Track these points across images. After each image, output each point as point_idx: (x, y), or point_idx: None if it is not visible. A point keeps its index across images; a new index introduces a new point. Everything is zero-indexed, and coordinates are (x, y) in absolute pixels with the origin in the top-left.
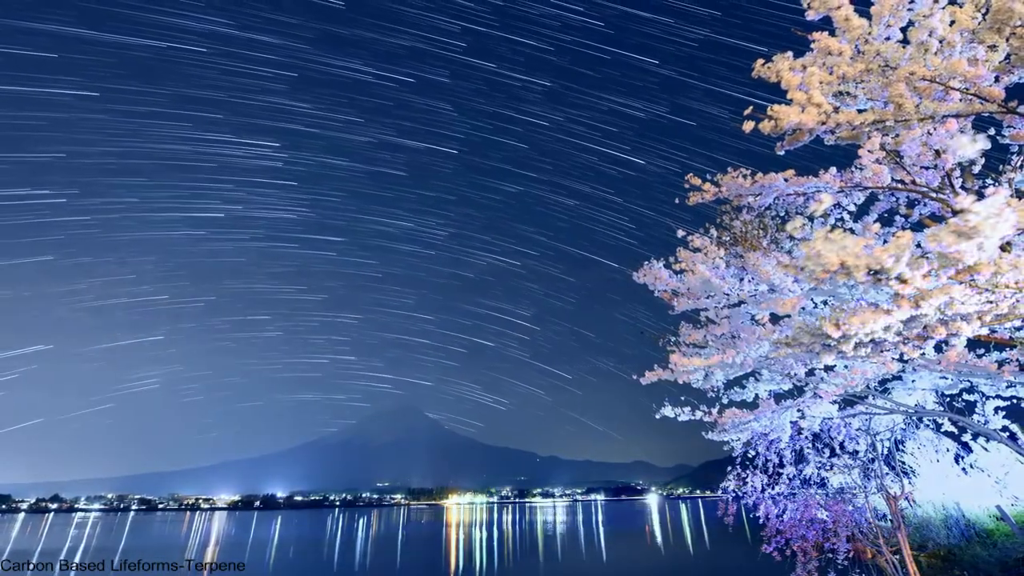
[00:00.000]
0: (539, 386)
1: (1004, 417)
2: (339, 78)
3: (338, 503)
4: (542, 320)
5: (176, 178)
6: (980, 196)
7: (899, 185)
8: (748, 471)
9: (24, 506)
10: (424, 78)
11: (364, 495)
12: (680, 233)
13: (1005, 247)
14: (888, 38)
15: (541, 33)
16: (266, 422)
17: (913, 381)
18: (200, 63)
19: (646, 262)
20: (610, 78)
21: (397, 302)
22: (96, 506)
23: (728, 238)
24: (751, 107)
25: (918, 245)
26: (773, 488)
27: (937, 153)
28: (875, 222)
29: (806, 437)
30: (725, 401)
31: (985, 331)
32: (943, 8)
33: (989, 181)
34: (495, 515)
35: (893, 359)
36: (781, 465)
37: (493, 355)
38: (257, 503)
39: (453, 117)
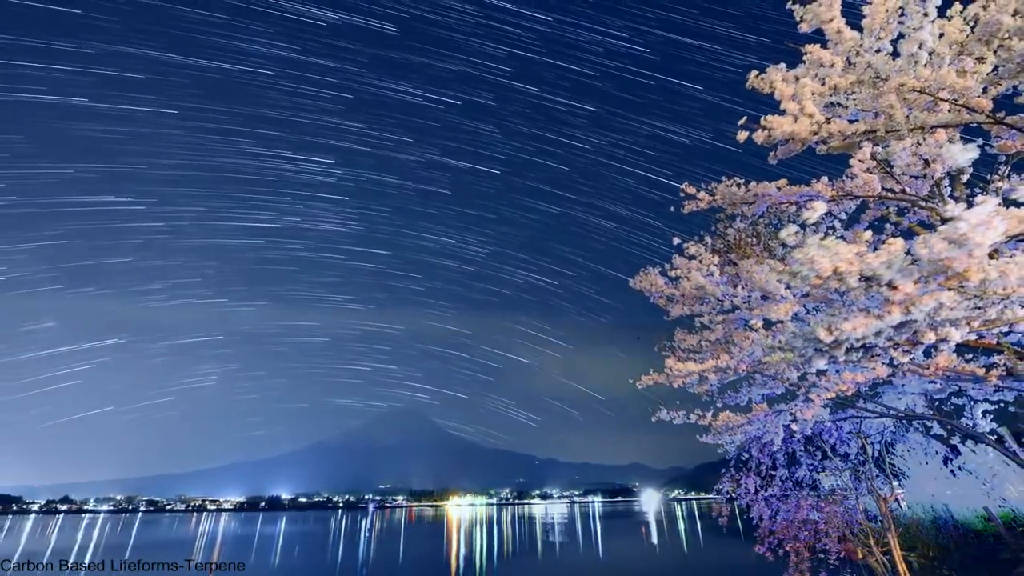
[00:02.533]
0: (572, 405)
1: (992, 420)
2: (391, 100)
3: (341, 504)
4: (577, 339)
5: (240, 190)
6: (969, 205)
7: (889, 194)
8: (741, 473)
9: (35, 507)
10: (471, 101)
11: (366, 497)
12: (675, 240)
13: (993, 254)
14: (879, 50)
15: (585, 59)
16: (309, 423)
17: (903, 385)
18: (266, 85)
19: (642, 269)
20: (653, 103)
21: (437, 315)
22: (105, 507)
23: (722, 246)
24: (744, 118)
25: (907, 252)
26: (766, 490)
27: (927, 163)
28: (866, 230)
29: (798, 440)
30: (719, 405)
31: (973, 336)
32: (933, 21)
33: (977, 190)
34: (495, 516)
35: (883, 364)
36: (774, 467)
37: (527, 372)
38: (262, 504)
39: (497, 138)
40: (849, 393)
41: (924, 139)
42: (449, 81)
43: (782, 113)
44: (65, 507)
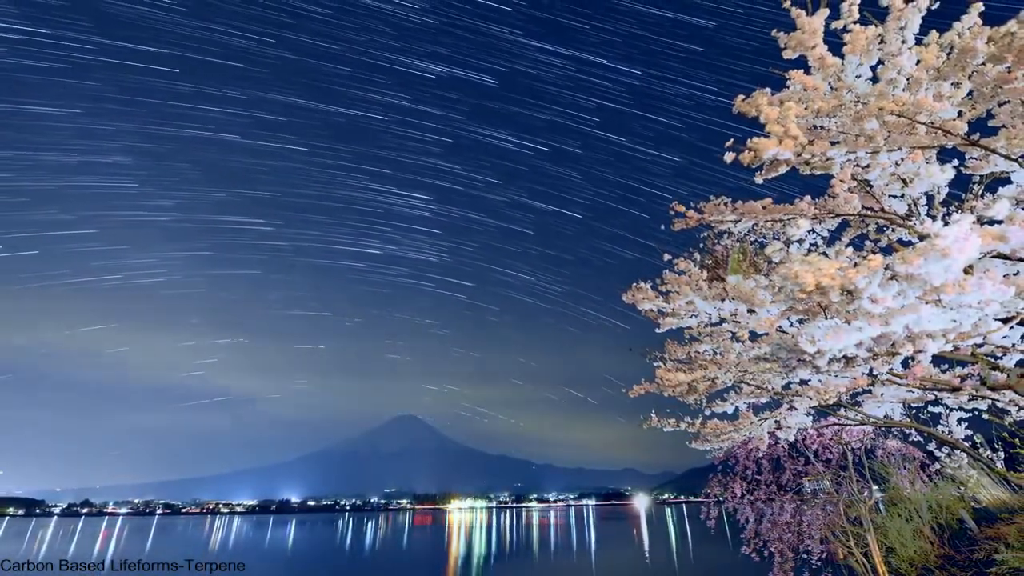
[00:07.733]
0: (634, 456)
1: (966, 428)
2: (485, 145)
3: (348, 508)
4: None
5: (350, 219)
6: (945, 223)
7: (869, 212)
8: (729, 478)
9: (57, 511)
10: (558, 148)
11: (372, 500)
12: (666, 257)
13: (968, 269)
14: (859, 75)
15: (672, 111)
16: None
17: (882, 394)
18: (380, 128)
19: (634, 284)
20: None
21: (511, 346)
22: (123, 510)
23: (710, 261)
24: (732, 139)
25: (887, 268)
26: (752, 494)
27: (905, 182)
28: (847, 246)
29: (782, 446)
30: (707, 413)
31: (949, 348)
32: (911, 48)
33: (953, 209)
34: (494, 519)
35: (863, 374)
36: (759, 472)
37: (591, 410)
38: (273, 507)
39: (581, 184)
40: (831, 401)
41: (902, 160)
42: (540, 129)
43: (768, 135)
44: (85, 510)
